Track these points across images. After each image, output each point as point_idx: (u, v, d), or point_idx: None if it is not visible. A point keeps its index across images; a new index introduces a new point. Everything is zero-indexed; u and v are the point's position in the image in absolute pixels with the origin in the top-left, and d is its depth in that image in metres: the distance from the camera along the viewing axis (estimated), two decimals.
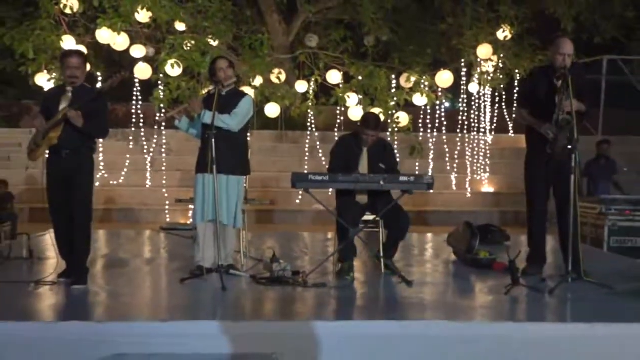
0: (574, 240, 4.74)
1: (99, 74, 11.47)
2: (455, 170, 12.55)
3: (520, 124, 13.53)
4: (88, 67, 11.17)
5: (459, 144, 12.92)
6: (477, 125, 13.02)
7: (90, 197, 4.85)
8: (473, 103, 12.96)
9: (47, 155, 4.83)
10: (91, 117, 4.67)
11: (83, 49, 10.73)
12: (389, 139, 11.48)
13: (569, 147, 4.70)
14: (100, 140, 11.46)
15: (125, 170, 12.04)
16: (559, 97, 4.83)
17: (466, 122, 13.08)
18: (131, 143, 12.65)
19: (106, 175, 11.84)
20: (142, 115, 12.62)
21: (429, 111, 12.63)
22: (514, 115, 13.54)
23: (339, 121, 12.78)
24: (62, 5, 10.47)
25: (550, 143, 4.86)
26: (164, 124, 12.11)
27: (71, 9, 10.51)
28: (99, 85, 10.83)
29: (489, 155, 12.77)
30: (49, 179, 4.82)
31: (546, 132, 4.87)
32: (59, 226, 4.88)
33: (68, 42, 10.48)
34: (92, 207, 4.87)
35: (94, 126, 4.73)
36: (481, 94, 12.76)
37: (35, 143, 4.82)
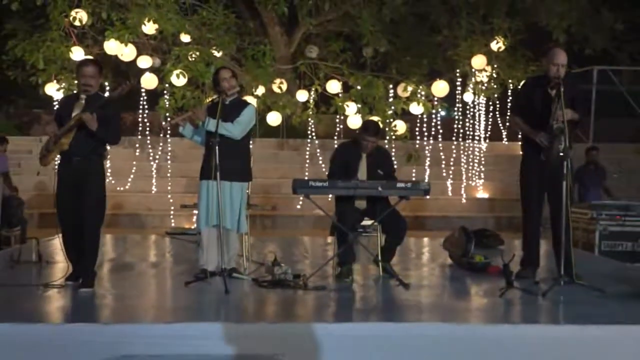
0: (566, 244, 4.79)
1: (106, 84, 11.72)
2: (451, 176, 12.64)
3: (515, 132, 13.81)
4: None
5: (454, 151, 13.04)
6: (472, 133, 13.15)
7: (101, 204, 4.88)
8: (468, 112, 13.12)
9: (57, 161, 4.88)
10: (103, 123, 4.71)
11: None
12: (386, 146, 11.74)
13: (562, 154, 4.80)
14: (107, 147, 11.81)
15: (132, 176, 12.15)
16: (553, 106, 4.92)
17: (461, 130, 13.20)
18: (137, 150, 12.76)
19: (113, 182, 11.92)
20: (148, 124, 12.76)
21: (425, 119, 12.77)
22: (507, 124, 13.85)
23: (338, 129, 12.91)
24: (71, 18, 10.63)
25: (545, 151, 4.96)
26: (169, 131, 12.32)
27: (80, 21, 10.68)
28: (106, 94, 11.14)
29: (483, 162, 12.87)
30: (59, 185, 4.84)
31: (540, 140, 4.96)
32: (66, 231, 4.90)
33: (77, 53, 10.62)
34: (103, 214, 4.92)
35: (106, 131, 4.76)
36: (476, 103, 12.92)
37: (46, 149, 4.84)
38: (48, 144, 4.85)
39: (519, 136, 5.55)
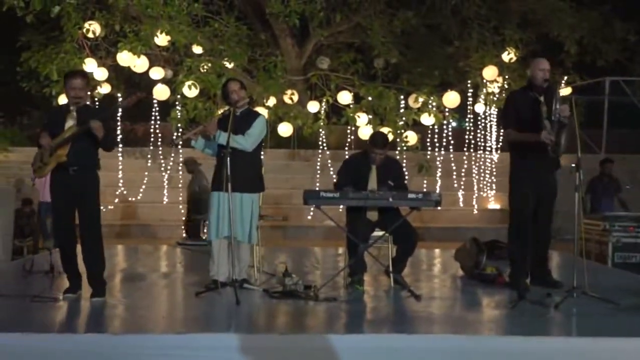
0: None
1: (119, 95, 11.82)
2: (462, 187, 12.66)
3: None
4: (109, 88, 11.55)
5: (465, 162, 13.05)
6: (483, 144, 13.14)
7: (99, 212, 4.93)
8: (479, 122, 13.12)
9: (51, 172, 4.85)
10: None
11: (105, 71, 11.14)
12: (397, 157, 11.73)
13: (573, 165, 4.84)
14: (120, 158, 11.89)
15: (144, 187, 12.25)
16: (544, 106, 5.09)
17: (473, 141, 13.21)
18: (149, 161, 12.85)
19: (125, 192, 12.05)
20: (160, 135, 12.89)
21: (436, 130, 12.79)
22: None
23: (349, 140, 12.96)
24: (85, 30, 10.77)
25: (552, 147, 5.04)
26: (181, 142, 12.40)
27: (93, 33, 10.83)
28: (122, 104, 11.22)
29: (495, 173, 12.85)
30: (54, 195, 4.86)
31: (546, 138, 5.01)
32: (63, 241, 4.93)
33: (90, 65, 10.78)
34: (100, 222, 4.94)
35: (108, 139, 4.84)
36: (487, 114, 12.91)
37: (41, 160, 4.82)
38: (43, 156, 4.83)
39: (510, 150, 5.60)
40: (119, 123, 12.39)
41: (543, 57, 5.39)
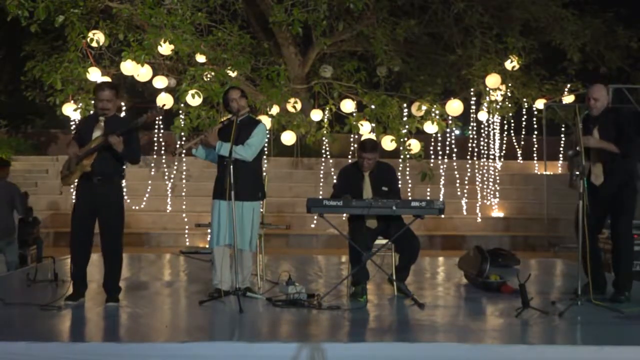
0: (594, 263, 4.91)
1: (122, 103, 11.83)
2: (466, 195, 12.63)
3: (529, 152, 13.67)
4: None
5: (469, 170, 13.05)
6: (486, 152, 13.12)
7: (122, 222, 5.08)
8: (482, 130, 13.12)
9: (76, 181, 4.99)
10: (125, 143, 4.87)
11: (108, 79, 11.15)
12: (401, 165, 11.72)
13: (577, 173, 4.83)
14: (123, 166, 11.90)
15: (147, 195, 12.26)
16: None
17: (476, 149, 13.23)
18: (153, 170, 12.87)
19: (128, 201, 11.96)
20: (163, 143, 12.93)
21: (439, 138, 12.81)
22: (522, 143, 13.82)
23: (352, 148, 12.96)
24: (89, 39, 10.78)
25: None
26: (184, 152, 12.42)
27: (97, 42, 10.83)
28: (122, 114, 11.26)
29: (498, 181, 12.85)
30: (77, 204, 4.97)
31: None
32: (79, 250, 5.01)
33: (94, 74, 10.79)
34: (123, 231, 5.09)
35: (129, 152, 4.93)
36: (490, 122, 12.91)
37: (68, 169, 4.98)
38: (69, 165, 4.98)
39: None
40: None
41: (597, 84, 5.39)
